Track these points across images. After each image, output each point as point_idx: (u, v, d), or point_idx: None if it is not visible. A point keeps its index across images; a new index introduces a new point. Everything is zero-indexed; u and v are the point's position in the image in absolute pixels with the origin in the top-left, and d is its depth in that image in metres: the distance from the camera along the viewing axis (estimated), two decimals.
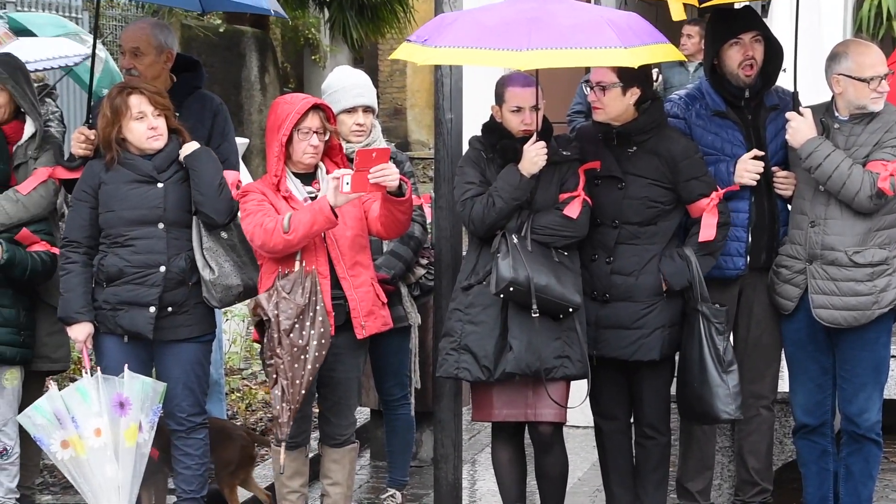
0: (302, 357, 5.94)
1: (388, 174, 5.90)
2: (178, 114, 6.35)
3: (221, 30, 15.44)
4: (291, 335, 5.94)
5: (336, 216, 5.92)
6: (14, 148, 6.50)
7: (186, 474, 6.29)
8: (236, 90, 15.44)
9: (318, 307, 5.96)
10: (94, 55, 7.00)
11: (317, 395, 6.24)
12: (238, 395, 8.73)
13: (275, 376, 5.99)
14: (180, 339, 6.19)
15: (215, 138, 6.61)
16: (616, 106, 6.15)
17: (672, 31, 7.00)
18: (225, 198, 6.17)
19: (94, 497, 6.04)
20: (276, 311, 5.95)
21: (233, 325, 9.76)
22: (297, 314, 5.93)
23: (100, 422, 6.01)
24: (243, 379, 9.31)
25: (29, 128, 6.50)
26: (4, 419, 6.38)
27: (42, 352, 6.47)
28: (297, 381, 5.96)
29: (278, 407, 5.98)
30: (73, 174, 6.42)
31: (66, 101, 11.22)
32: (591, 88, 6.18)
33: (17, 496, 6.46)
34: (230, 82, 15.14)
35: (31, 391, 6.46)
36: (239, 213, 6.15)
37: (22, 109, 6.46)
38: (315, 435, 6.66)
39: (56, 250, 6.36)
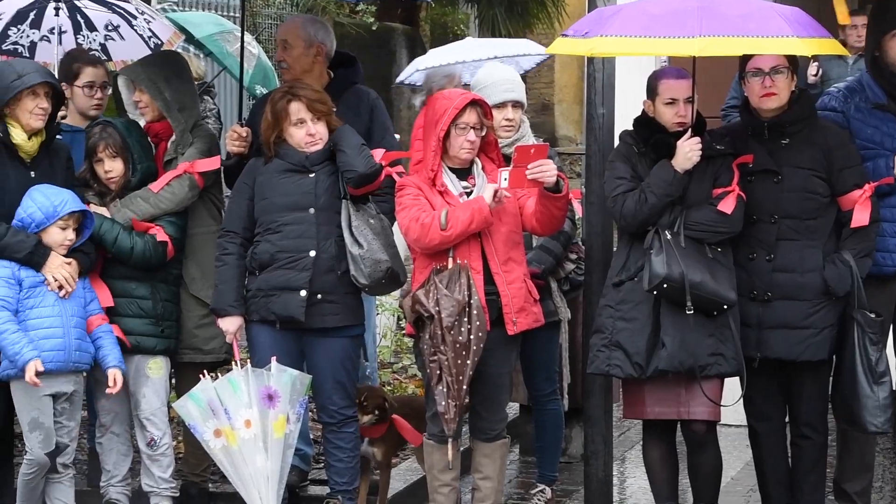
0: (464, 353, 5.96)
1: (546, 170, 5.90)
2: (335, 109, 6.41)
3: (374, 28, 15.58)
4: (453, 332, 5.96)
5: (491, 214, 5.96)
6: (168, 144, 6.63)
7: (339, 467, 6.36)
8: (386, 86, 15.53)
9: (473, 301, 5.98)
10: (242, 52, 7.11)
11: (469, 389, 6.25)
12: (389, 388, 8.80)
13: (438, 373, 6.02)
14: (329, 328, 6.25)
15: (377, 132, 6.68)
16: (786, 92, 6.06)
17: (830, 27, 6.87)
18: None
19: (244, 487, 6.13)
20: (437, 308, 5.98)
21: (383, 319, 9.85)
22: (458, 311, 5.95)
23: (250, 413, 6.10)
24: (394, 373, 9.39)
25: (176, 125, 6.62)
26: (153, 409, 6.49)
27: (193, 344, 6.58)
28: (461, 378, 5.98)
29: (444, 403, 6.00)
30: (212, 166, 6.52)
31: (223, 99, 11.44)
32: (762, 76, 6.04)
33: (173, 485, 6.58)
34: (380, 79, 15.23)
35: (188, 384, 6.56)
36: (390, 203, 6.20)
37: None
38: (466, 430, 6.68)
39: (164, 237, 6.43)
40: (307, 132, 6.27)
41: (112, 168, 6.44)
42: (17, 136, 6.21)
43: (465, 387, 5.98)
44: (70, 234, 6.22)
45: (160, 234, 6.43)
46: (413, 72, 8.52)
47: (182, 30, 8.03)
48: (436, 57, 8.47)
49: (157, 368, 6.51)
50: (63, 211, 6.18)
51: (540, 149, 5.96)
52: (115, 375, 6.26)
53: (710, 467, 6.19)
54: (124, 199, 6.47)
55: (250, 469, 6.10)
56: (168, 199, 6.48)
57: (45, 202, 6.18)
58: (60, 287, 6.20)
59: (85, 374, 6.35)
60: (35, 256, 6.17)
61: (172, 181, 6.48)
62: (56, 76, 6.63)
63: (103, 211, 6.43)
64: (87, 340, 6.28)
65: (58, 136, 6.43)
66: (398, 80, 8.95)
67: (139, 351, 6.45)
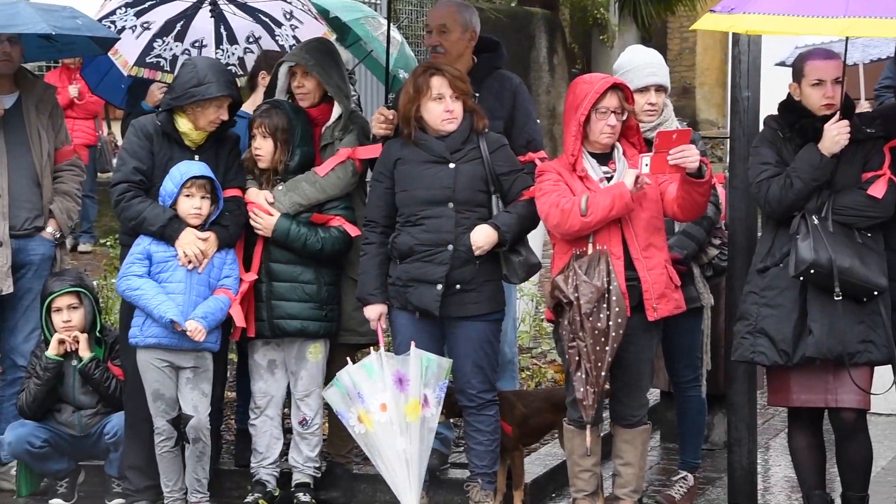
0: (602, 339, 5.94)
1: (688, 155, 5.84)
2: (477, 94, 6.44)
3: (512, 4, 15.56)
4: (591, 318, 5.94)
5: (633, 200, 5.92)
6: (323, 130, 6.71)
7: (478, 450, 6.38)
8: (525, 71, 15.53)
9: (612, 287, 5.95)
10: (388, 38, 7.15)
11: (609, 375, 6.23)
12: (528, 373, 8.80)
13: (577, 359, 6.01)
14: (468, 316, 6.28)
15: (519, 117, 6.67)
16: None
17: None
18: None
19: (386, 470, 6.19)
20: (576, 294, 5.96)
21: (522, 304, 9.84)
22: (597, 297, 5.93)
23: (384, 397, 6.16)
24: (532, 358, 9.38)
25: (336, 110, 6.70)
26: (308, 390, 6.61)
27: (349, 325, 6.67)
28: (599, 364, 5.96)
29: (582, 390, 5.99)
30: (373, 153, 6.59)
31: (361, 87, 11.55)
32: None
33: (317, 465, 6.69)
34: (519, 63, 15.24)
35: (340, 363, 6.64)
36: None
37: (329, 94, 6.67)
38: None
39: (350, 226, 6.52)
40: (445, 108, 6.27)
41: (261, 146, 6.55)
42: (184, 125, 6.40)
43: (603, 373, 5.96)
44: (197, 202, 6.36)
45: (345, 224, 6.53)
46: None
47: (326, 14, 8.10)
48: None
49: (316, 352, 6.61)
50: (186, 175, 6.30)
51: (682, 134, 5.90)
52: (195, 326, 6.33)
53: (861, 456, 6.08)
54: (288, 182, 6.57)
55: (389, 453, 6.15)
56: (335, 183, 6.58)
57: (175, 171, 6.36)
58: (190, 261, 6.34)
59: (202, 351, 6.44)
60: (168, 230, 6.33)
61: (337, 167, 6.57)
62: None
63: (264, 199, 6.51)
64: None
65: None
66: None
67: (303, 334, 6.55)
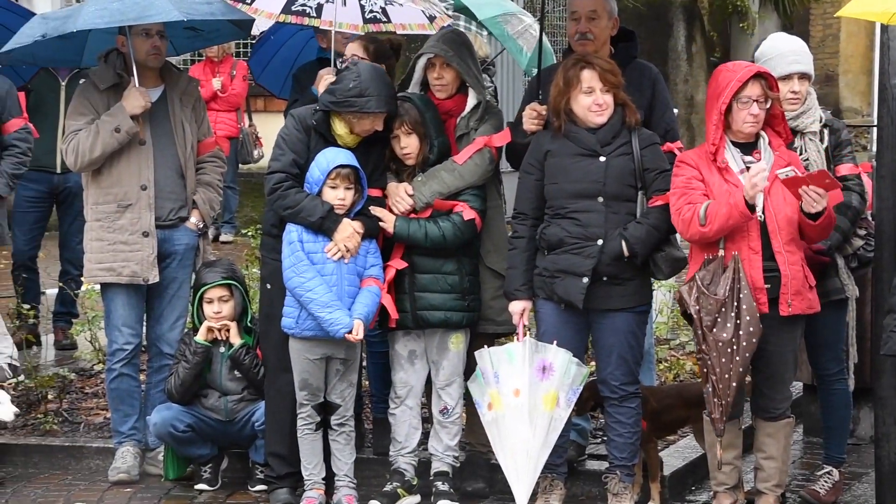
0: (729, 350, 5.87)
1: (815, 202, 5.83)
2: None
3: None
4: (714, 331, 5.88)
5: (752, 211, 5.84)
6: (458, 120, 6.72)
7: (619, 441, 6.34)
8: (662, 60, 15.39)
9: (741, 295, 5.86)
10: (542, 32, 7.11)
11: (750, 367, 6.14)
12: (665, 365, 8.72)
13: (705, 371, 5.96)
14: (615, 309, 6.24)
15: (658, 107, 6.62)
16: None
17: None
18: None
19: (504, 457, 6.18)
20: (697, 307, 5.91)
21: (659, 294, 9.75)
22: (717, 309, 5.87)
23: (519, 383, 6.15)
24: (671, 349, 9.29)
25: (471, 100, 6.71)
26: (449, 380, 6.64)
27: (487, 315, 6.68)
28: (727, 376, 5.89)
29: (711, 402, 5.94)
30: (505, 140, 6.59)
31: (501, 78, 11.55)
32: None
33: (456, 454, 6.71)
34: (657, 52, 15.12)
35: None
36: None
37: (466, 84, 6.68)
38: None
39: (469, 211, 6.51)
40: (595, 101, 6.25)
41: (408, 144, 6.57)
42: (340, 128, 6.46)
43: (733, 384, 5.89)
44: (340, 193, 6.40)
45: (466, 210, 6.54)
46: None
47: (465, 10, 8.10)
48: None
49: (458, 342, 6.63)
50: (332, 164, 6.34)
51: (832, 185, 5.85)
52: (357, 326, 6.37)
53: None
54: (427, 172, 6.60)
55: (513, 440, 6.14)
56: (473, 171, 6.59)
57: (322, 158, 6.41)
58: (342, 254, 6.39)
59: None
60: (327, 222, 6.38)
61: (474, 154, 6.58)
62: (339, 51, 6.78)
63: (404, 191, 6.54)
64: None
65: None
66: None
67: (446, 325, 6.57)
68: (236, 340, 6.80)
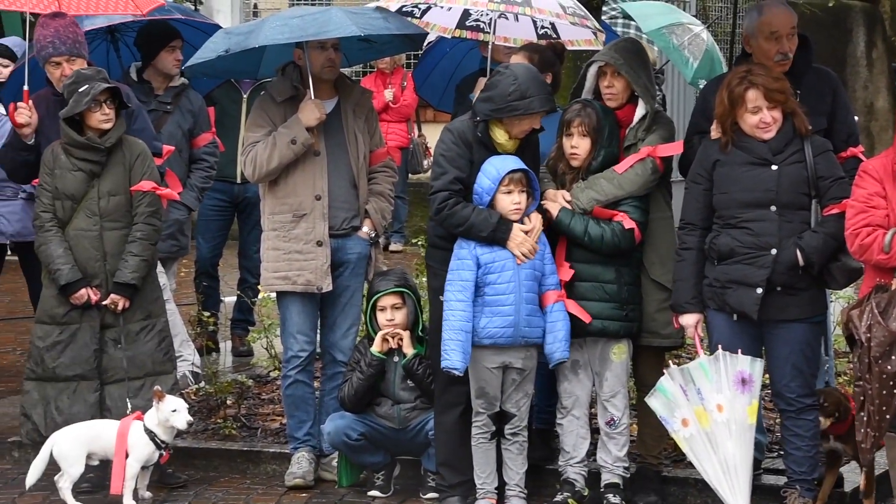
0: (891, 384, 5.71)
1: None
2: (798, 91, 6.30)
3: (830, 4, 15.11)
4: (880, 361, 5.73)
5: None
6: (627, 131, 6.69)
7: (797, 455, 6.24)
8: (840, 66, 15.06)
9: None
10: (731, 54, 7.03)
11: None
12: (845, 378, 8.52)
13: (862, 399, 5.82)
14: (789, 319, 6.13)
15: (840, 112, 6.52)
16: None
17: None
18: None
19: (714, 475, 6.13)
20: (868, 335, 5.76)
21: (837, 306, 9.54)
22: (890, 342, 5.71)
23: (721, 398, 6.11)
24: (849, 363, 9.08)
25: (640, 110, 6.67)
26: (613, 391, 6.61)
27: (651, 327, 6.62)
28: (884, 408, 5.75)
29: (862, 432, 5.80)
30: (674, 151, 6.53)
31: (670, 86, 11.44)
32: None
33: (626, 465, 6.67)
34: (835, 58, 14.80)
35: (645, 367, 6.66)
36: None
37: (636, 94, 6.64)
38: None
39: (628, 221, 6.46)
40: (761, 119, 6.17)
41: (579, 146, 6.57)
42: (500, 135, 6.49)
43: (887, 417, 5.74)
44: (516, 198, 6.41)
45: (626, 220, 6.50)
46: None
47: (631, 20, 8.06)
48: None
49: (619, 353, 6.60)
50: (504, 171, 6.35)
51: None
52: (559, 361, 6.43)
53: None
54: (587, 179, 6.59)
55: (720, 455, 6.09)
56: (632, 181, 6.55)
57: (490, 168, 6.43)
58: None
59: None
60: (498, 233, 6.40)
61: (636, 164, 6.54)
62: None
63: (562, 197, 6.54)
64: (539, 315, 6.48)
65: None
66: None
67: (604, 334, 6.54)
68: (409, 350, 6.86)
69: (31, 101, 7.20)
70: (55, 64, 7.21)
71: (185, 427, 6.79)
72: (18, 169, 7.31)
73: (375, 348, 6.86)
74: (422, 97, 8.69)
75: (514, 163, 6.44)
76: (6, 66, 8.72)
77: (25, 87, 7.27)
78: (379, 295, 6.89)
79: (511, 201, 6.43)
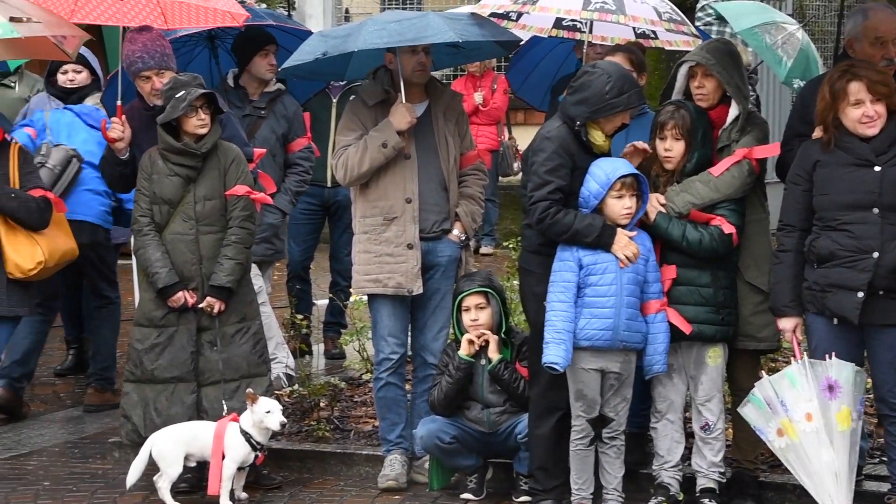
0: None
1: None
2: None
3: None
4: None
5: None
6: (720, 132, 6.64)
7: None
8: None
9: None
10: (838, 41, 6.96)
11: None
12: None
13: None
14: (891, 324, 6.05)
15: None
16: None
17: None
18: None
19: (812, 484, 6.07)
20: None
21: None
22: None
23: (810, 406, 6.04)
24: None
25: (733, 111, 6.62)
26: (709, 395, 6.57)
27: (747, 331, 6.57)
28: None
29: None
30: (770, 152, 6.46)
31: (764, 86, 11.32)
32: None
33: (722, 469, 6.62)
34: None
35: (741, 371, 6.61)
36: None
37: (728, 94, 6.60)
38: None
39: (728, 226, 6.40)
40: (864, 113, 6.09)
41: (672, 148, 6.54)
42: (598, 138, 6.49)
43: None
44: (627, 202, 6.40)
45: (725, 224, 6.46)
46: None
47: (723, 20, 7.99)
48: None
49: (715, 356, 6.56)
50: (614, 175, 6.34)
51: None
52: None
53: None
54: (682, 182, 6.56)
55: (815, 464, 6.04)
56: (728, 183, 6.50)
57: (599, 172, 6.41)
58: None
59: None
60: (603, 238, 6.40)
61: (732, 167, 6.49)
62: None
63: (656, 200, 6.52)
64: (640, 320, 6.45)
65: None
66: None
67: (699, 338, 6.51)
68: (495, 355, 6.85)
69: (123, 116, 7.32)
70: (145, 78, 7.32)
71: (278, 428, 6.86)
72: (116, 181, 7.43)
73: (462, 351, 6.87)
74: (521, 98, 8.70)
75: (625, 167, 6.42)
76: (79, 72, 8.86)
77: (118, 102, 7.40)
78: (463, 295, 6.90)
79: (622, 206, 6.41)
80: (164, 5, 7.51)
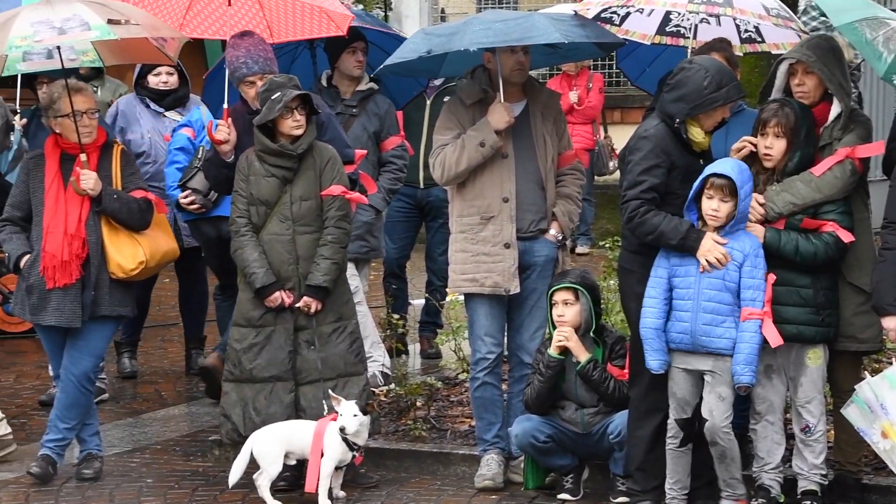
0: None
1: None
2: None
3: None
4: None
5: None
6: (821, 130, 6.55)
7: None
8: None
9: None
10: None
11: None
12: None
13: None
14: None
15: None
16: None
17: None
18: None
19: None
20: None
21: None
22: None
23: None
24: None
25: (834, 109, 6.53)
26: (809, 397, 6.49)
27: (848, 332, 6.48)
28: None
29: None
30: (874, 151, 6.36)
31: (867, 83, 11.15)
32: None
33: (823, 472, 6.54)
34: None
35: (842, 371, 6.53)
36: None
37: (829, 91, 6.50)
38: None
39: (843, 232, 6.31)
40: None
41: (773, 146, 6.47)
42: (697, 135, 6.45)
43: None
44: (714, 205, 6.34)
45: (840, 231, 6.39)
46: None
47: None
48: None
49: (815, 358, 6.48)
50: (707, 172, 6.30)
51: None
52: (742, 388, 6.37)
53: None
54: (783, 182, 6.48)
55: None
56: (831, 184, 6.42)
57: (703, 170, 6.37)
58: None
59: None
60: (688, 241, 6.35)
61: (834, 166, 6.40)
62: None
63: (755, 199, 6.44)
64: (723, 325, 6.37)
65: None
66: None
67: (799, 339, 6.43)
68: (583, 356, 6.82)
69: (229, 119, 7.39)
70: (249, 83, 7.38)
71: (351, 431, 6.84)
72: (222, 183, 7.50)
73: (553, 350, 6.85)
74: (639, 87, 8.64)
75: (721, 167, 6.35)
76: (171, 75, 8.95)
77: (225, 106, 7.47)
78: (552, 290, 6.88)
79: (709, 207, 6.35)
80: (270, 18, 7.58)
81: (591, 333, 6.88)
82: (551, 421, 6.91)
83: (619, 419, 6.77)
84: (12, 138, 7.88)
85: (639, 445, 6.63)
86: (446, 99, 7.74)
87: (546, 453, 6.94)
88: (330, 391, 6.94)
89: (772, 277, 6.38)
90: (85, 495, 7.21)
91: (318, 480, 6.83)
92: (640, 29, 7.42)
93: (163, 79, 8.90)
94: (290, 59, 8.64)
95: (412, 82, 8.78)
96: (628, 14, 7.31)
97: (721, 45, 7.20)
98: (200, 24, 7.50)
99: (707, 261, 6.32)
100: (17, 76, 8.29)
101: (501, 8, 15.66)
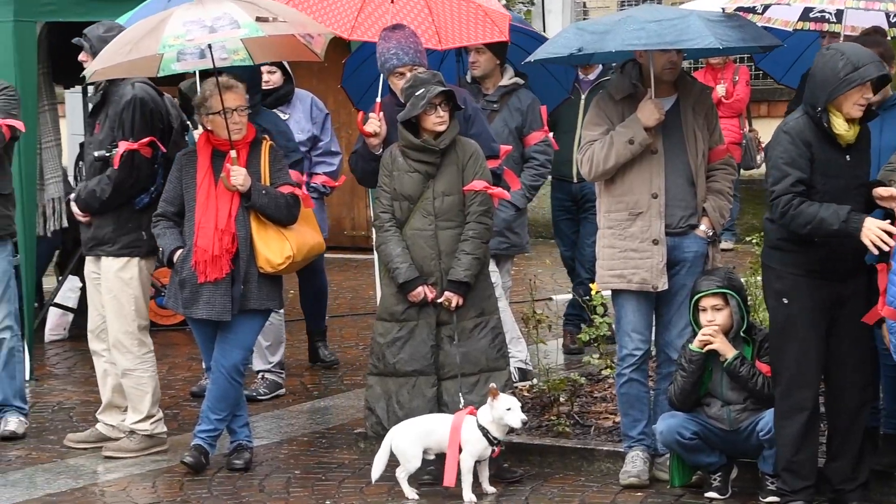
0: None
1: None
2: None
3: None
4: None
5: None
6: None
7: None
8: None
9: None
10: None
11: None
12: None
13: None
14: None
15: None
16: None
17: None
18: None
19: None
20: None
21: None
22: None
23: None
24: None
25: None
26: None
27: None
28: None
29: None
30: None
31: None
32: None
33: None
34: None
35: None
36: None
37: None
38: None
39: None
40: None
41: None
42: (839, 126, 6.32)
43: None
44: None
45: None
46: None
47: None
48: None
49: None
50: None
51: None
52: None
53: None
54: None
55: None
56: None
57: None
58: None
59: None
60: (850, 224, 6.22)
61: None
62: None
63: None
64: None
65: None
66: None
67: None
68: (729, 353, 6.73)
69: (381, 112, 7.41)
70: (399, 74, 7.40)
71: (519, 426, 6.87)
72: (368, 177, 7.51)
73: (695, 344, 6.77)
74: (786, 85, 8.51)
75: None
76: (272, 73, 8.94)
77: (378, 99, 7.50)
78: (699, 295, 6.79)
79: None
80: (438, 23, 7.59)
81: (741, 332, 6.79)
82: (697, 418, 6.84)
83: (769, 416, 6.66)
84: (186, 139, 8.01)
85: (785, 444, 6.52)
86: (599, 92, 7.65)
87: (692, 450, 6.86)
88: (493, 385, 6.93)
89: None
90: (236, 485, 7.33)
91: (456, 475, 6.83)
92: (783, 16, 7.28)
93: (264, 77, 8.79)
94: (440, 55, 8.64)
95: (558, 87, 8.74)
96: (768, 6, 7.18)
97: (875, 39, 7.03)
98: (370, 29, 7.55)
99: (871, 241, 6.17)
100: (181, 75, 8.38)
101: (645, 2, 15.51)
